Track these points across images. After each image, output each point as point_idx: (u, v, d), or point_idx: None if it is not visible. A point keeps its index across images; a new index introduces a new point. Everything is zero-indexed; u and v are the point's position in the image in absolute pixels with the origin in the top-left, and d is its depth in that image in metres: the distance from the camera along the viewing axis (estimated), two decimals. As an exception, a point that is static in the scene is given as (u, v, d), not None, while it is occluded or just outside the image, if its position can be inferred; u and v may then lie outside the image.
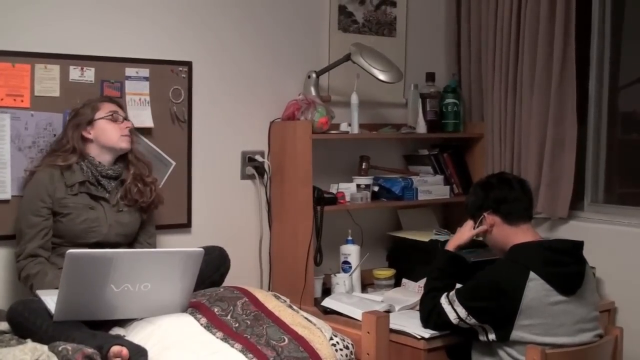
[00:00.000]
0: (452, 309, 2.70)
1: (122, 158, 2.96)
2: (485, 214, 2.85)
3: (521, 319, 2.60)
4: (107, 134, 2.89)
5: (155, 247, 3.09)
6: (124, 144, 2.92)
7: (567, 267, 2.67)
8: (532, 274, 2.61)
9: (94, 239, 2.84)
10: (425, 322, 2.83)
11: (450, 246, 2.97)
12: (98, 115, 2.89)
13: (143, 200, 2.96)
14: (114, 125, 2.90)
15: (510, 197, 2.82)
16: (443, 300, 2.74)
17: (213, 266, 2.92)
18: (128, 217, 2.95)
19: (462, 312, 2.68)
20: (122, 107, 3.01)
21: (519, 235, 2.77)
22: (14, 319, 2.49)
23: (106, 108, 2.92)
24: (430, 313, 2.80)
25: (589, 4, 3.67)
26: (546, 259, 2.65)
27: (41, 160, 2.92)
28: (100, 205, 2.88)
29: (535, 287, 2.60)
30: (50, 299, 2.49)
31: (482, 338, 2.69)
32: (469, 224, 2.95)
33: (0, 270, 2.95)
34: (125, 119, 2.95)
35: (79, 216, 2.82)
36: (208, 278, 2.87)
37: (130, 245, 3.00)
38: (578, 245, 2.74)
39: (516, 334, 2.61)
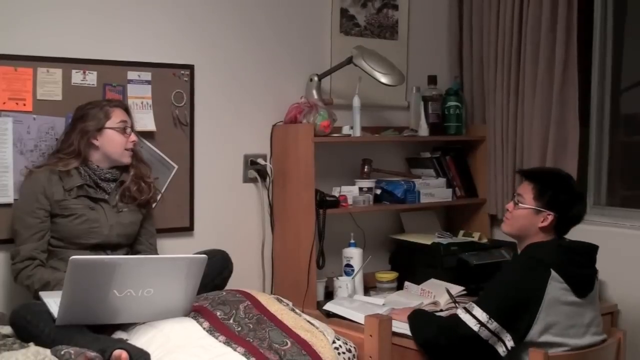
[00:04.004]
0: (471, 317, 2.59)
1: None
2: (548, 212, 2.69)
3: (541, 317, 2.55)
4: (113, 146, 2.88)
5: (155, 247, 3.09)
6: (125, 159, 2.92)
7: (583, 269, 2.66)
8: (552, 273, 2.57)
9: (95, 240, 2.84)
10: (435, 339, 2.70)
11: None
12: (109, 123, 2.88)
13: (143, 198, 2.97)
14: (121, 137, 2.90)
15: (581, 219, 2.76)
16: (460, 312, 2.65)
17: (215, 270, 2.92)
18: (129, 217, 2.94)
19: (483, 316, 2.57)
20: (129, 112, 2.99)
21: (540, 235, 2.72)
22: (17, 322, 2.49)
23: (117, 116, 2.90)
24: (440, 329, 2.70)
25: (591, 6, 3.66)
26: (565, 258, 2.62)
27: (43, 161, 2.92)
28: (100, 206, 2.88)
29: (554, 286, 2.57)
30: (53, 302, 2.49)
31: (501, 350, 2.58)
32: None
33: (3, 274, 2.95)
34: (132, 129, 2.94)
35: (80, 217, 2.82)
36: (211, 282, 2.87)
37: (131, 246, 3.00)
38: (594, 249, 2.73)
39: (534, 334, 2.55)
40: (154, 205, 3.11)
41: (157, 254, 3.06)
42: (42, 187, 2.80)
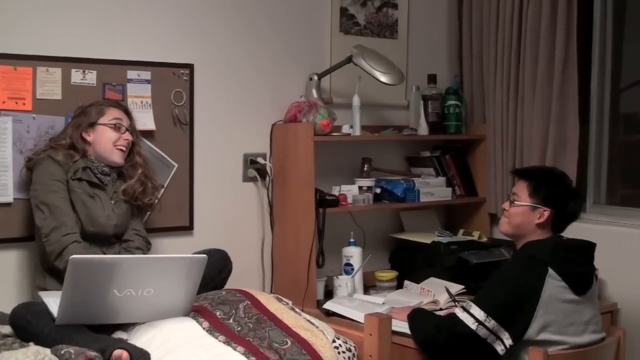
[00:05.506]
0: (469, 315, 2.59)
1: (128, 159, 2.96)
2: (544, 208, 2.70)
3: (539, 315, 2.55)
4: (104, 141, 2.87)
5: (144, 235, 3.04)
6: (115, 157, 2.90)
7: (581, 267, 2.65)
8: (550, 271, 2.57)
9: (94, 228, 2.83)
10: (434, 337, 2.69)
11: None
12: (102, 120, 2.88)
13: (148, 199, 2.97)
14: (113, 133, 2.89)
15: (577, 215, 2.76)
16: (457, 311, 2.65)
17: (215, 269, 2.91)
18: (124, 207, 2.94)
19: (481, 315, 2.56)
20: (129, 113, 2.99)
21: (537, 233, 2.73)
22: (17, 322, 2.49)
23: (112, 114, 2.90)
24: (439, 327, 2.69)
25: (591, 5, 3.67)
26: (563, 256, 2.62)
27: (41, 150, 2.87)
28: (98, 196, 2.87)
29: (552, 284, 2.57)
30: (52, 302, 2.49)
31: (500, 348, 2.58)
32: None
33: (4, 274, 2.95)
34: (128, 129, 2.92)
35: (83, 204, 2.81)
36: (210, 281, 2.87)
37: (121, 236, 2.97)
38: (592, 246, 2.73)
39: (533, 332, 2.55)
40: (148, 212, 3.11)
41: (147, 239, 3.04)
42: (60, 166, 2.79)
